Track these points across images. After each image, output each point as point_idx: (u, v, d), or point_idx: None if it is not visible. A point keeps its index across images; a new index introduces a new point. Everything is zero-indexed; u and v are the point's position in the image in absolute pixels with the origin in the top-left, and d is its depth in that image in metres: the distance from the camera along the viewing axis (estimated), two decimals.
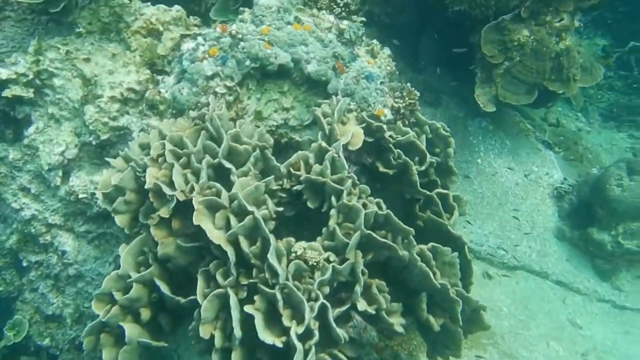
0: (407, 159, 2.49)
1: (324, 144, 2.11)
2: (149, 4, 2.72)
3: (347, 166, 2.07)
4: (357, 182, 2.13)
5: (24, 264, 2.80)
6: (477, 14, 3.30)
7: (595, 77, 3.57)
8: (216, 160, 2.00)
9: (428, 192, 2.51)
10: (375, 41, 3.11)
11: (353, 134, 2.20)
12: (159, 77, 2.48)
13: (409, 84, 2.78)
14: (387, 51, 3.08)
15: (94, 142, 2.57)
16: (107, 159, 2.28)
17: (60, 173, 2.60)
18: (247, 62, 2.37)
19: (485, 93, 3.39)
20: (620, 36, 5.90)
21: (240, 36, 2.41)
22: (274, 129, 2.53)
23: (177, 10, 2.79)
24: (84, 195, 2.60)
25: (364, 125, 2.45)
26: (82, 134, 2.60)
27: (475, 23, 3.41)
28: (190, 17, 2.90)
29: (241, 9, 2.77)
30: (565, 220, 3.98)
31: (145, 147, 2.17)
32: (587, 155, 4.44)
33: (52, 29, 2.71)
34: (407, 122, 2.71)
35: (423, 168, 2.58)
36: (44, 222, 2.69)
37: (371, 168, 2.64)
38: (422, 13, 4.02)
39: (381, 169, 2.55)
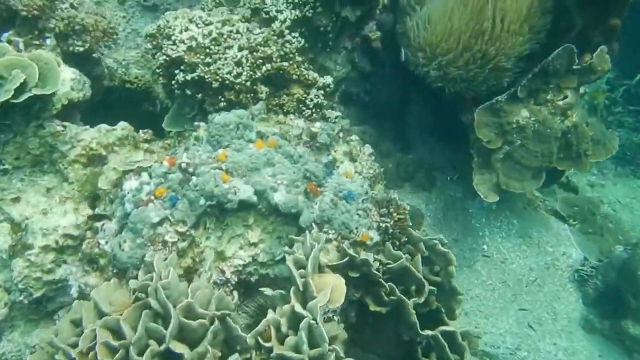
0: (401, 296, 2.18)
1: (297, 308, 1.79)
2: (87, 127, 2.46)
3: (327, 338, 1.75)
4: (342, 355, 1.81)
5: None
6: (464, 92, 3.08)
7: (610, 149, 3.32)
8: (163, 347, 1.68)
9: (431, 333, 2.20)
10: (354, 138, 2.86)
11: (333, 288, 1.89)
12: (98, 224, 2.19)
13: (396, 196, 2.51)
14: (368, 149, 2.83)
15: (25, 301, 2.25)
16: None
17: None
18: (202, 202, 2.08)
19: (484, 181, 3.12)
20: (624, 67, 5.66)
21: (192, 169, 2.13)
22: (240, 268, 2.23)
23: (122, 128, 2.54)
24: None
25: (346, 259, 2.16)
26: (13, 290, 2.29)
27: (465, 101, 3.19)
28: (140, 131, 2.65)
29: (196, 123, 2.52)
30: (591, 308, 3.65)
31: (78, 324, 1.85)
32: (606, 225, 4.15)
33: None
34: (397, 243, 2.42)
35: (422, 300, 2.27)
36: None
37: (361, 301, 2.33)
38: (405, 88, 3.81)
39: (372, 307, 2.24)
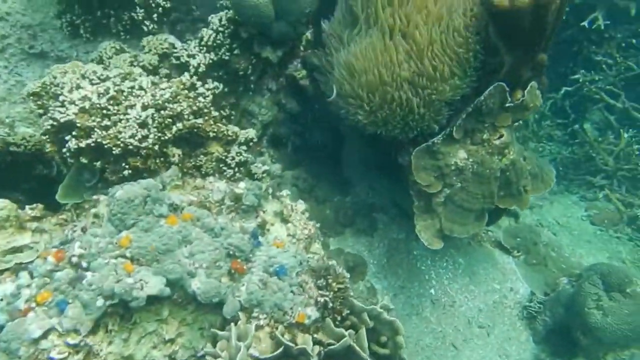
0: None
1: None
2: None
3: None
4: None
5: None
6: (397, 136, 2.95)
7: (547, 181, 3.31)
8: None
9: None
10: (285, 193, 2.63)
11: None
12: None
13: (334, 262, 2.29)
14: (301, 206, 2.61)
15: None
16: None
17: None
18: (100, 302, 1.76)
19: (427, 227, 2.99)
20: (550, 80, 5.79)
21: (85, 263, 1.80)
22: None
23: (1, 208, 2.15)
24: None
25: (281, 350, 1.90)
26: None
27: (400, 143, 3.06)
28: (27, 207, 2.27)
29: (95, 197, 2.19)
30: (543, 346, 3.59)
31: None
32: (549, 253, 4.16)
33: None
34: (339, 317, 2.19)
35: None
36: None
37: None
38: (339, 126, 3.65)
39: None
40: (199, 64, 2.85)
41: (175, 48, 2.94)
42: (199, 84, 2.44)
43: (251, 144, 2.53)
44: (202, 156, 2.37)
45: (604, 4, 4.85)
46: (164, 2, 2.92)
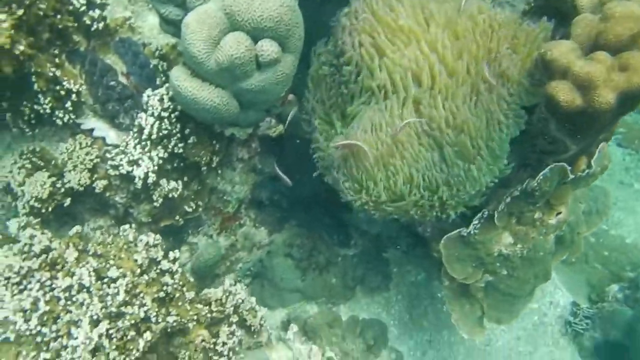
0: None
1: None
2: None
3: None
4: None
5: None
6: None
7: (604, 210, 3.05)
8: None
9: None
10: (291, 335, 2.36)
11: None
12: None
13: None
14: (317, 355, 2.34)
15: None
16: None
17: None
18: None
19: (465, 315, 2.73)
20: None
21: None
22: None
23: None
24: None
25: None
26: None
27: None
28: None
29: None
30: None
31: None
32: (588, 240, 3.94)
33: None
34: None
35: None
36: None
37: None
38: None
39: None
40: (146, 175, 2.31)
41: (109, 146, 2.37)
42: (165, 262, 1.98)
43: (252, 309, 2.15)
44: (182, 351, 2.00)
45: None
46: (76, 86, 2.26)
